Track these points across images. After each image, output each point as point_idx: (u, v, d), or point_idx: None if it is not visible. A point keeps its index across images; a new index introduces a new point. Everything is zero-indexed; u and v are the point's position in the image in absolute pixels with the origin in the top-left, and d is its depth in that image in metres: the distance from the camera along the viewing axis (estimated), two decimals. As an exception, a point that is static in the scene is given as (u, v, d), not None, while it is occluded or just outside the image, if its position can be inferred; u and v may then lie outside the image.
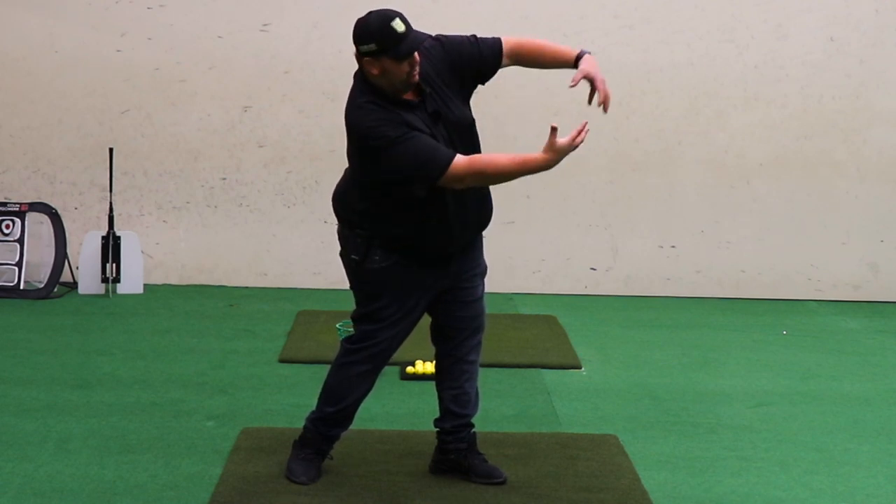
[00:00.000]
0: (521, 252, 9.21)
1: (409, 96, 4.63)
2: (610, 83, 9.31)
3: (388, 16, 4.49)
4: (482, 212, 4.95)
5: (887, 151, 9.15)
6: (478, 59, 4.77)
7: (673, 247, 9.26)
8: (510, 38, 4.83)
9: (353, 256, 4.82)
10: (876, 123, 9.13)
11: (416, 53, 4.52)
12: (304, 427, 5.08)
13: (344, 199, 4.86)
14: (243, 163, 9.13)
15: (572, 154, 9.59)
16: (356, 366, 4.92)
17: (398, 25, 4.46)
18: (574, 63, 4.84)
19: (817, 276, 9.28)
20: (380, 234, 4.77)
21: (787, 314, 8.76)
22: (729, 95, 9.10)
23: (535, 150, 9.40)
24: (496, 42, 4.81)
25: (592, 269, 9.28)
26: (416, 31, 4.54)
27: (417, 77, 4.57)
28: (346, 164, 4.89)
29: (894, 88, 9.10)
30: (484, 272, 5.09)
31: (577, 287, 9.29)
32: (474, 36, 4.82)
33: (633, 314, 8.63)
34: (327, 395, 4.99)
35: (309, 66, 9.00)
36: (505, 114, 9.04)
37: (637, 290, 9.28)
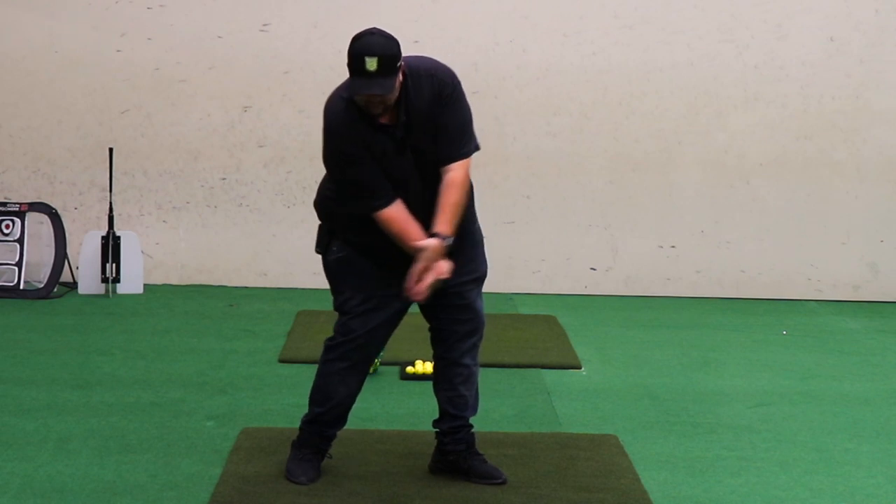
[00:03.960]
0: (521, 252, 9.21)
1: (383, 119, 4.63)
2: (610, 83, 9.40)
3: (370, 49, 4.46)
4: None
5: (887, 151, 9.15)
6: (437, 143, 4.72)
7: (673, 247, 9.26)
8: (453, 172, 4.69)
9: (316, 249, 4.97)
10: (876, 123, 9.13)
11: (379, 97, 4.50)
12: (300, 428, 5.08)
13: (317, 195, 5.01)
14: (243, 163, 9.13)
15: (572, 154, 9.69)
16: (335, 363, 4.93)
17: (370, 64, 4.44)
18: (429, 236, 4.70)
19: (817, 276, 9.29)
20: (336, 227, 4.86)
21: (787, 314, 8.76)
22: (729, 95, 9.10)
23: (535, 149, 9.45)
24: (454, 155, 4.71)
25: (592, 269, 9.28)
26: (389, 79, 4.47)
27: (377, 109, 4.55)
28: None
29: (894, 88, 9.10)
30: (479, 278, 5.02)
31: (576, 287, 9.29)
32: (464, 129, 4.74)
33: (632, 314, 8.63)
34: (314, 395, 5.01)
35: (309, 66, 9.00)
36: (504, 114, 9.04)
37: (637, 290, 9.28)
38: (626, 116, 9.12)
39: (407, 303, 4.89)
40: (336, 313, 4.98)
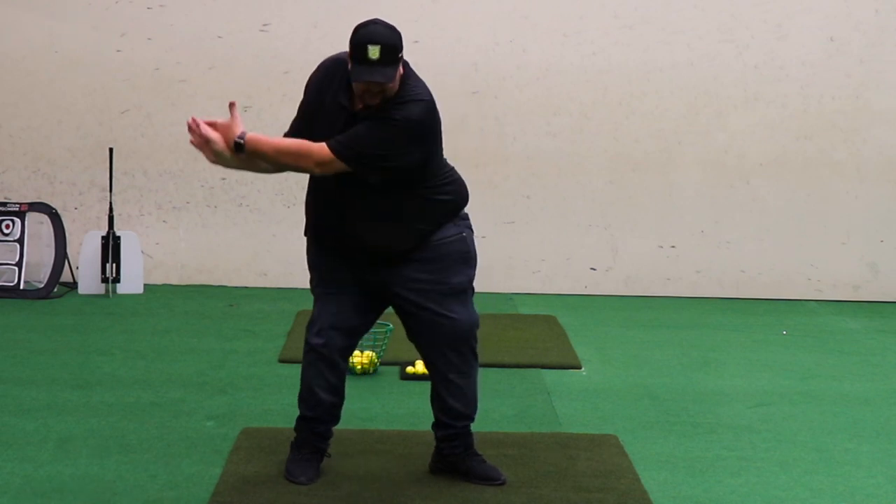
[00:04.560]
0: (521, 252, 9.21)
1: (358, 105, 4.63)
2: (610, 83, 9.41)
3: (373, 37, 4.48)
4: (366, 241, 4.79)
5: (887, 151, 9.16)
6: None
7: (673, 247, 9.26)
8: (313, 143, 4.64)
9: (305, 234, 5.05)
10: (876, 123, 9.13)
11: (379, 85, 4.50)
12: (295, 429, 5.10)
13: None
14: (243, 163, 9.12)
15: (572, 154, 9.68)
16: (309, 354, 4.98)
17: (372, 52, 4.46)
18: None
19: (817, 276, 9.29)
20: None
21: (787, 314, 8.77)
22: (729, 95, 9.11)
23: (535, 149, 9.46)
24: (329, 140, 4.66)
25: (592, 269, 9.28)
26: (390, 68, 4.48)
27: (374, 100, 4.56)
28: None
29: (894, 88, 9.11)
30: (450, 290, 4.86)
31: (576, 287, 9.29)
32: (362, 141, 4.63)
33: (632, 314, 8.63)
34: (300, 392, 5.06)
35: (309, 66, 8.85)
36: (504, 114, 9.04)
37: (637, 290, 9.29)
38: (626, 116, 9.12)
39: (365, 296, 4.88)
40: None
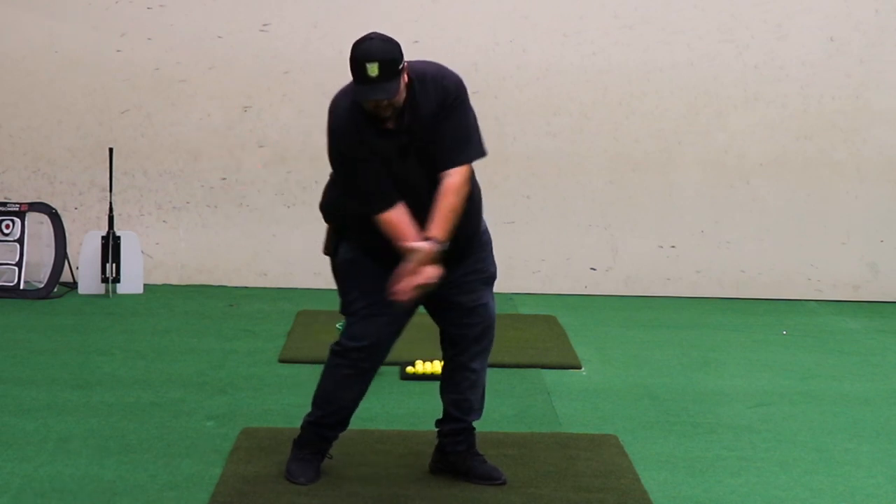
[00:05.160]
0: (521, 252, 9.21)
1: (388, 124, 4.61)
2: (610, 83, 9.42)
3: (370, 55, 4.44)
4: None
5: (887, 151, 9.16)
6: (439, 148, 4.70)
7: (673, 247, 9.26)
8: (451, 178, 4.66)
9: (325, 251, 4.96)
10: (876, 123, 9.13)
11: (386, 101, 4.49)
12: (301, 428, 5.08)
13: (324, 197, 5.02)
14: (243, 163, 9.14)
15: (572, 154, 9.70)
16: (340, 368, 4.92)
17: (371, 69, 4.43)
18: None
19: (817, 276, 9.29)
20: (346, 228, 4.86)
21: (787, 314, 8.77)
22: (729, 95, 9.10)
23: (535, 149, 9.46)
24: (454, 161, 4.68)
25: (592, 269, 9.29)
26: (392, 82, 4.46)
27: (385, 112, 4.54)
28: None
29: (894, 88, 9.11)
30: (488, 279, 5.00)
31: (576, 287, 9.29)
32: (467, 136, 4.73)
33: (632, 314, 8.63)
34: (318, 398, 5.00)
35: (309, 66, 9.00)
36: (504, 114, 9.04)
37: (637, 290, 9.29)
38: (626, 116, 9.12)
39: (413, 306, 4.87)
40: (342, 315, 4.99)
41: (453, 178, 4.66)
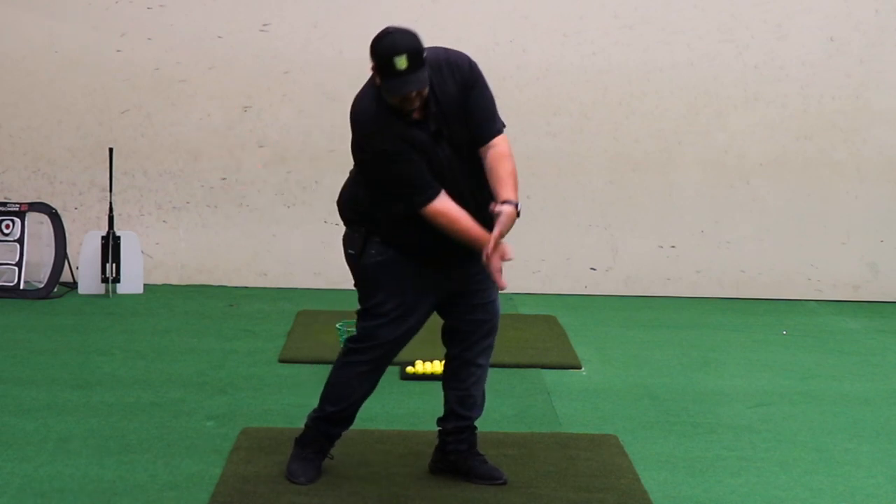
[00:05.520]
0: (521, 252, 9.10)
1: (415, 115, 4.60)
2: (610, 83, 9.42)
3: (396, 48, 4.43)
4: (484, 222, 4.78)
5: (887, 151, 9.16)
6: (472, 124, 4.70)
7: (673, 247, 9.26)
8: (498, 146, 4.70)
9: (350, 251, 4.85)
10: (876, 123, 9.13)
11: (416, 92, 4.48)
12: (305, 426, 5.07)
13: (345, 197, 4.90)
14: (243, 163, 9.14)
15: (572, 154, 9.68)
16: (358, 365, 4.91)
17: (400, 62, 4.41)
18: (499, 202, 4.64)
19: (817, 276, 9.29)
20: (377, 230, 4.79)
21: (786, 314, 8.77)
22: (729, 95, 9.11)
23: (534, 149, 9.46)
24: (493, 131, 4.72)
25: (592, 269, 9.29)
26: (421, 71, 4.45)
27: (414, 107, 4.54)
28: (348, 164, 4.88)
29: (894, 88, 9.11)
30: None
31: (576, 287, 9.29)
32: (493, 108, 4.76)
33: (632, 314, 8.63)
34: (329, 393, 4.99)
35: (309, 66, 9.00)
36: (504, 114, 9.02)
37: (637, 290, 9.29)
38: (626, 116, 9.12)
39: (436, 304, 4.89)
40: (352, 315, 5.00)
41: (500, 146, 4.69)
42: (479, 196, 4.73)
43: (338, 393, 4.97)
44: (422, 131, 4.60)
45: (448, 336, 5.03)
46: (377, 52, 4.47)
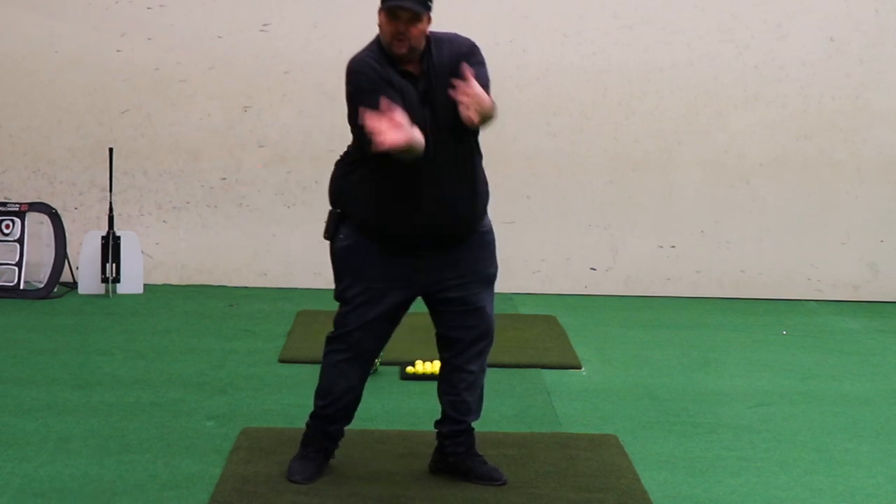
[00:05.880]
0: (521, 252, 9.22)
1: (410, 67, 4.71)
2: (610, 83, 9.41)
3: None
4: (455, 215, 4.84)
5: (887, 151, 9.17)
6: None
7: (673, 247, 9.27)
8: None
9: (325, 235, 4.95)
10: (876, 123, 9.14)
11: (408, 28, 4.61)
12: (306, 425, 5.10)
13: (331, 177, 4.99)
14: (243, 163, 9.15)
15: (573, 152, 9.68)
16: (334, 354, 4.97)
17: None
18: None
19: (817, 276, 9.30)
20: (347, 211, 4.85)
21: (787, 314, 8.77)
22: (729, 95, 9.11)
23: (535, 149, 9.46)
24: None
25: (592, 269, 9.29)
26: (419, 5, 4.60)
27: (402, 47, 4.63)
28: None
29: (894, 88, 9.12)
30: (488, 280, 5.00)
31: (576, 287, 9.30)
32: (486, 84, 4.82)
33: (632, 314, 8.64)
34: (318, 388, 5.05)
35: (309, 66, 9.01)
36: (504, 114, 9.02)
37: (637, 290, 9.29)
38: (626, 116, 9.13)
39: (406, 299, 4.90)
40: (337, 305, 5.00)
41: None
42: (455, 186, 4.79)
43: (323, 388, 5.02)
44: (412, 86, 4.68)
45: (439, 343, 5.05)
46: None
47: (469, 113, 4.50)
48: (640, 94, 9.10)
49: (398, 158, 4.55)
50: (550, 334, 7.82)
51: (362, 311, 4.87)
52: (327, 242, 5.03)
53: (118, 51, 9.02)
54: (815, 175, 9.20)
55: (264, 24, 9.00)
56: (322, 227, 5.05)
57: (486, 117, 4.61)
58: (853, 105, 9.12)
